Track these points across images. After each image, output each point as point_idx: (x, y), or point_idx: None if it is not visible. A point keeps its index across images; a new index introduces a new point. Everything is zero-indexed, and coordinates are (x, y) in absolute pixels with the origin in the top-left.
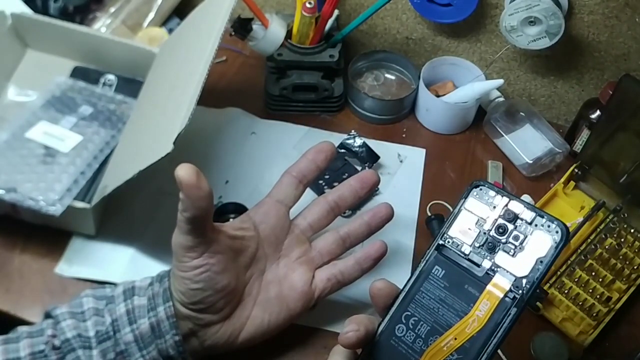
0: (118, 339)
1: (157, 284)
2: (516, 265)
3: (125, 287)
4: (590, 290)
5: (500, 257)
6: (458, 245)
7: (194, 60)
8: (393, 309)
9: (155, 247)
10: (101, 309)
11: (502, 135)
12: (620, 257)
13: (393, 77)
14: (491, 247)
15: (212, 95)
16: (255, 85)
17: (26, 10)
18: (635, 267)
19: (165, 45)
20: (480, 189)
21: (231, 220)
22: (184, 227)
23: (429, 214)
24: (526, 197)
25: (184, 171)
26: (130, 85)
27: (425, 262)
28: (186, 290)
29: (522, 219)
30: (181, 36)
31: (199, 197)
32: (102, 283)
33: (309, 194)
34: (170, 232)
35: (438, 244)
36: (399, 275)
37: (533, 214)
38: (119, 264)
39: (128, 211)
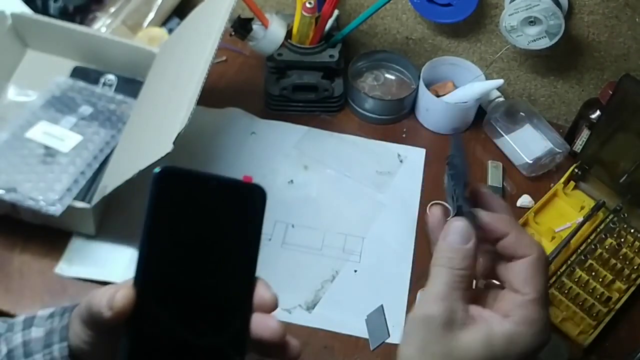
0: None
1: (57, 318)
2: None
3: (27, 315)
4: (590, 290)
5: None
6: None
7: (194, 60)
8: None
9: None
10: (1, 333)
11: (502, 135)
12: (620, 257)
13: (393, 77)
14: None
15: (212, 95)
16: (255, 85)
17: (26, 10)
18: (635, 267)
19: (165, 45)
20: None
21: None
22: (87, 318)
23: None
24: (526, 197)
25: (125, 297)
26: (130, 85)
27: None
28: (76, 344)
29: None
30: (181, 36)
31: (121, 319)
32: (102, 283)
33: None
34: None
35: None
36: (399, 274)
37: None
38: (119, 264)
39: (128, 211)
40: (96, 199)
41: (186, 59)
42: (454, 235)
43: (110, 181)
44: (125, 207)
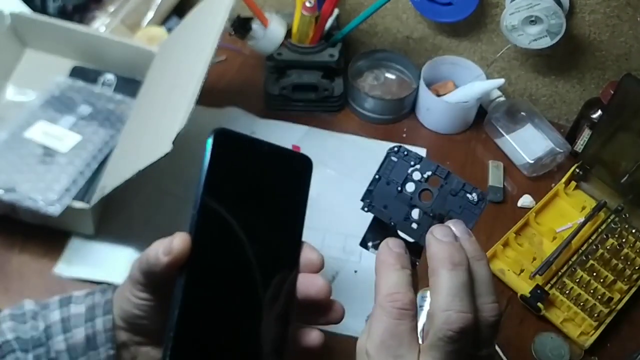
0: (50, 347)
1: (98, 294)
2: None
3: (61, 295)
4: (592, 291)
5: None
6: None
7: (193, 59)
8: None
9: None
10: (37, 312)
11: (503, 135)
12: (622, 257)
13: (393, 77)
14: None
15: (212, 95)
16: (255, 85)
17: (25, 9)
18: (636, 268)
19: (164, 45)
20: None
21: None
22: (145, 268)
23: None
24: (527, 197)
25: (182, 242)
26: (130, 85)
27: None
28: (128, 310)
29: None
30: (180, 36)
31: (177, 266)
32: (101, 283)
33: None
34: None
35: None
36: None
37: None
38: (118, 264)
39: (128, 211)
40: (95, 199)
41: (185, 59)
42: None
43: (109, 181)
44: (125, 207)
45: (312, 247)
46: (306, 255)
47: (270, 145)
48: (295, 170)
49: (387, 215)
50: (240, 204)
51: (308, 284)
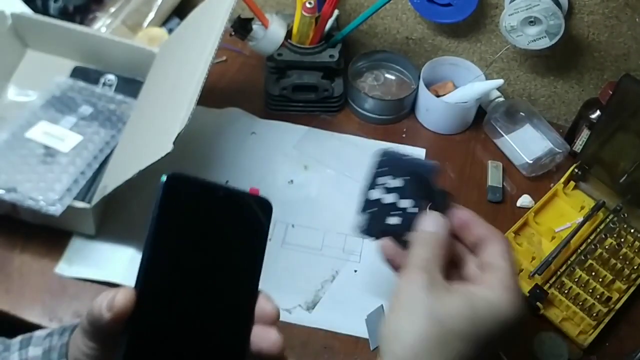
0: None
1: (56, 337)
2: None
3: (24, 336)
4: (590, 290)
5: None
6: None
7: (194, 60)
8: None
9: None
10: (0, 352)
11: (502, 135)
12: (620, 257)
13: (393, 77)
14: None
15: (212, 95)
16: (255, 85)
17: (26, 10)
18: (635, 267)
19: (165, 45)
20: None
21: None
22: (90, 320)
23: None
24: (526, 197)
25: (125, 298)
26: (130, 85)
27: None
28: (78, 357)
29: None
30: (181, 36)
31: (121, 321)
32: (102, 283)
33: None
34: None
35: None
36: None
37: None
38: (119, 264)
39: (128, 211)
40: (96, 199)
41: (186, 59)
42: (430, 222)
43: (110, 181)
44: (126, 207)
45: (268, 298)
46: (261, 306)
47: (227, 190)
48: (254, 214)
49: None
50: (192, 252)
51: (262, 337)
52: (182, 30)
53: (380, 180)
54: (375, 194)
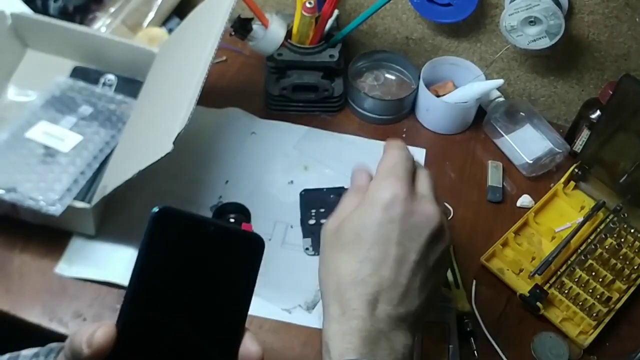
0: None
1: (42, 358)
2: None
3: (11, 354)
4: (591, 290)
5: None
6: None
7: (194, 60)
8: None
9: None
10: None
11: (502, 135)
12: (620, 257)
13: (393, 77)
14: None
15: (212, 95)
16: (255, 85)
17: (26, 10)
18: (635, 267)
19: (165, 45)
20: None
21: (231, 220)
22: (71, 354)
23: None
24: (526, 197)
25: (104, 334)
26: (130, 85)
27: None
28: None
29: None
30: (181, 36)
31: (100, 358)
32: (102, 283)
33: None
34: None
35: None
36: None
37: None
38: (119, 264)
39: (128, 211)
40: (96, 199)
41: (186, 59)
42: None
43: (110, 181)
44: (125, 206)
45: (253, 338)
46: (246, 347)
47: (218, 225)
48: (245, 251)
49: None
50: (178, 287)
51: None
52: (182, 30)
53: (312, 210)
54: (312, 221)
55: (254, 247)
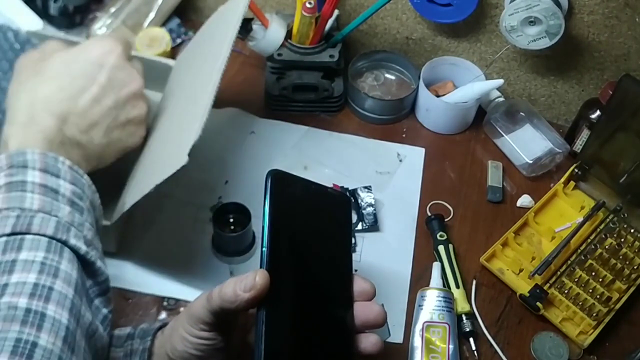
0: None
1: (137, 340)
2: None
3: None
4: (590, 290)
5: None
6: None
7: (207, 71)
8: None
9: (156, 249)
10: None
11: (502, 135)
12: (620, 257)
13: (393, 77)
14: None
15: None
16: (255, 85)
17: (28, 12)
18: (635, 267)
19: (179, 59)
20: None
21: (231, 220)
22: (215, 306)
23: (429, 214)
24: (526, 197)
25: (264, 277)
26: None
27: None
28: (183, 351)
29: None
30: (195, 49)
31: (258, 301)
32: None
33: None
34: (170, 234)
35: None
36: (399, 274)
37: None
38: (140, 280)
39: (129, 214)
40: (115, 216)
41: (199, 71)
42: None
43: (129, 197)
44: (146, 223)
45: (363, 277)
46: (359, 285)
47: (316, 185)
48: (339, 207)
49: None
50: (299, 239)
51: (366, 312)
52: (195, 42)
53: None
54: None
55: (345, 203)
